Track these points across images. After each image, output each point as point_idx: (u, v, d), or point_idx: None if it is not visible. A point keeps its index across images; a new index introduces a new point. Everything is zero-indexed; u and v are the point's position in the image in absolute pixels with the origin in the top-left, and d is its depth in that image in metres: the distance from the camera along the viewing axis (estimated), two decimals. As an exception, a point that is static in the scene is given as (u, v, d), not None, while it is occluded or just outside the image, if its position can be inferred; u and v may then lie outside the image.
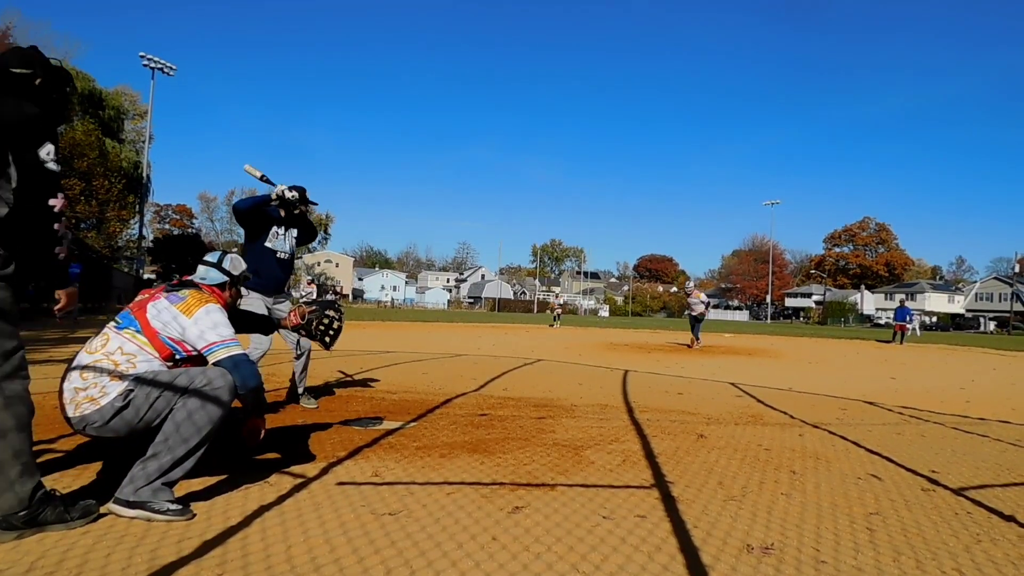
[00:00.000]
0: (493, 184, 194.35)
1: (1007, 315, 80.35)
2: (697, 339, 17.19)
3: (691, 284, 18.92)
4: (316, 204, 5.61)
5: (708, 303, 18.50)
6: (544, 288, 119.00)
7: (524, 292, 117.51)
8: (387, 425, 4.72)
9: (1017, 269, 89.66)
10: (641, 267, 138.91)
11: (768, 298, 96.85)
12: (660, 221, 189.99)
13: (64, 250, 2.68)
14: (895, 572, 2.34)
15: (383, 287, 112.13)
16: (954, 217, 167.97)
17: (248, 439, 3.03)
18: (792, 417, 5.85)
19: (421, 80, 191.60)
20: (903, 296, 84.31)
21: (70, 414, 2.68)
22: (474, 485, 3.25)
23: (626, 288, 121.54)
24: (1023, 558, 2.54)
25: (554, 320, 34.35)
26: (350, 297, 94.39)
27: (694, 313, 17.24)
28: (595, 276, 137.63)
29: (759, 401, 6.87)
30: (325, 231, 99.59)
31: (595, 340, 18.88)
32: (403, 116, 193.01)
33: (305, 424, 4.62)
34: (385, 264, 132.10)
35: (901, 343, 24.79)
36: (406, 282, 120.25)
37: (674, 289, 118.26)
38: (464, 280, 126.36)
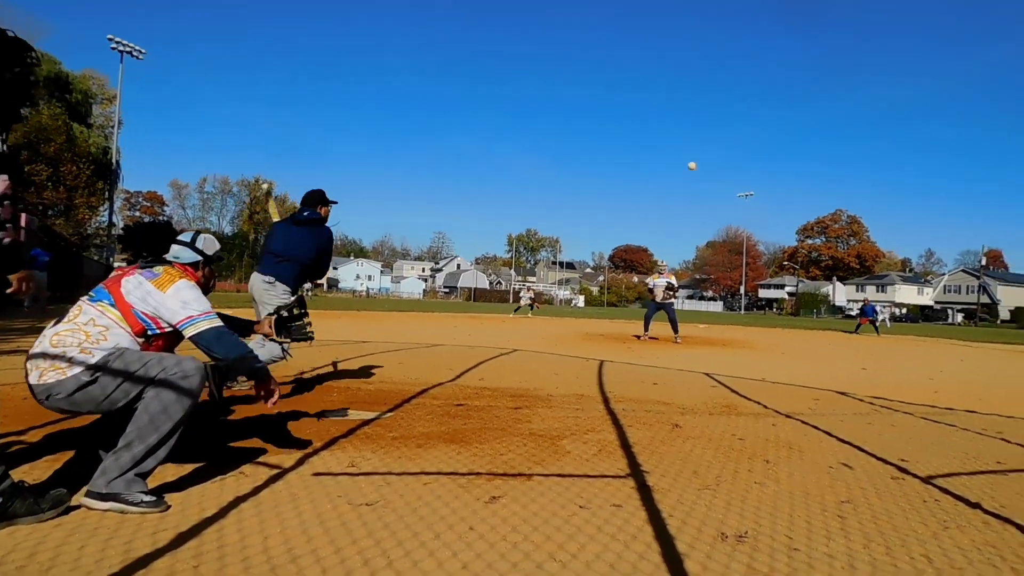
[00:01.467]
0: (470, 174, 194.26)
1: (974, 307, 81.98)
2: (646, 331, 15.83)
3: (661, 265, 17.30)
4: (335, 202, 5.65)
5: (674, 287, 16.14)
6: (520, 278, 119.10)
7: (500, 282, 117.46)
8: (363, 415, 4.70)
9: (984, 262, 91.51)
10: (616, 257, 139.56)
11: (742, 289, 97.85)
12: (636, 212, 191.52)
13: (9, 234, 2.59)
14: (866, 559, 2.39)
15: (358, 276, 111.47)
16: (924, 210, 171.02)
17: (268, 405, 2.99)
18: (766, 407, 5.92)
19: (398, 69, 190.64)
20: (865, 296, 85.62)
21: (33, 381, 2.61)
22: (451, 475, 3.25)
23: (601, 278, 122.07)
24: (988, 544, 2.60)
25: (526, 307, 33.24)
26: (324, 286, 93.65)
27: (657, 299, 15.83)
28: (570, 266, 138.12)
29: (733, 391, 6.94)
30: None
31: (571, 330, 18.93)
32: (380, 105, 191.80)
33: (281, 414, 4.58)
34: (360, 253, 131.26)
35: (878, 334, 25.39)
36: (381, 271, 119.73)
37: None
38: (440, 270, 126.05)
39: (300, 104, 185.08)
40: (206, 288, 3.28)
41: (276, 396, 3.00)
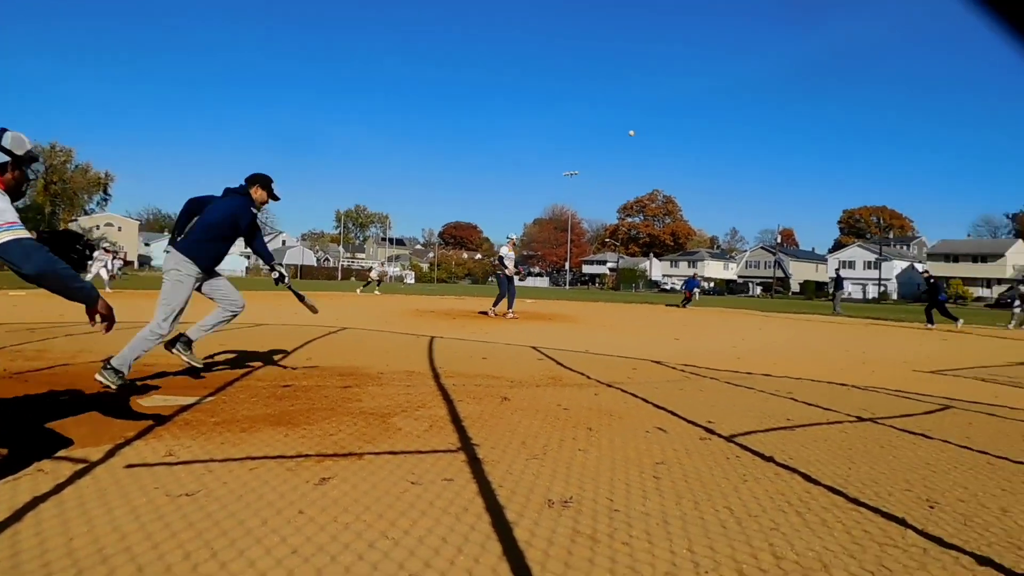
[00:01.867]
0: (295, 146, 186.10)
1: (770, 280, 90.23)
2: (495, 306, 15.75)
3: (510, 236, 16.39)
4: (277, 198, 5.54)
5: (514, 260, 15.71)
6: (348, 254, 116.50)
7: (328, 259, 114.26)
8: (181, 401, 4.43)
9: (779, 240, 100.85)
10: (447, 234, 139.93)
11: (567, 265, 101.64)
12: (465, 189, 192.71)
13: None
14: (677, 514, 2.59)
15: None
16: (730, 192, 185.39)
17: (105, 325, 2.80)
18: (589, 377, 6.22)
19: (210, 23, 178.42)
20: (695, 269, 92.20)
21: None
22: (278, 459, 3.15)
23: (431, 255, 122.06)
24: (779, 492, 2.91)
25: (373, 284, 32.50)
26: (136, 264, 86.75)
27: (509, 272, 15.24)
28: (400, 243, 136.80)
29: (559, 363, 7.23)
30: (105, 191, 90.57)
31: (401, 307, 18.82)
32: (193, 66, 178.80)
33: (85, 402, 4.22)
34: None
35: (684, 307, 27.34)
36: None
37: (479, 256, 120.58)
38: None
39: (100, 66, 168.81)
40: (16, 193, 2.93)
41: (108, 323, 2.86)
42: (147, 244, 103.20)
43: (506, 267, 15.28)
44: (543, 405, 4.78)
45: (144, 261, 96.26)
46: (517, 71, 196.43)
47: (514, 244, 16.01)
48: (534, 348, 8.73)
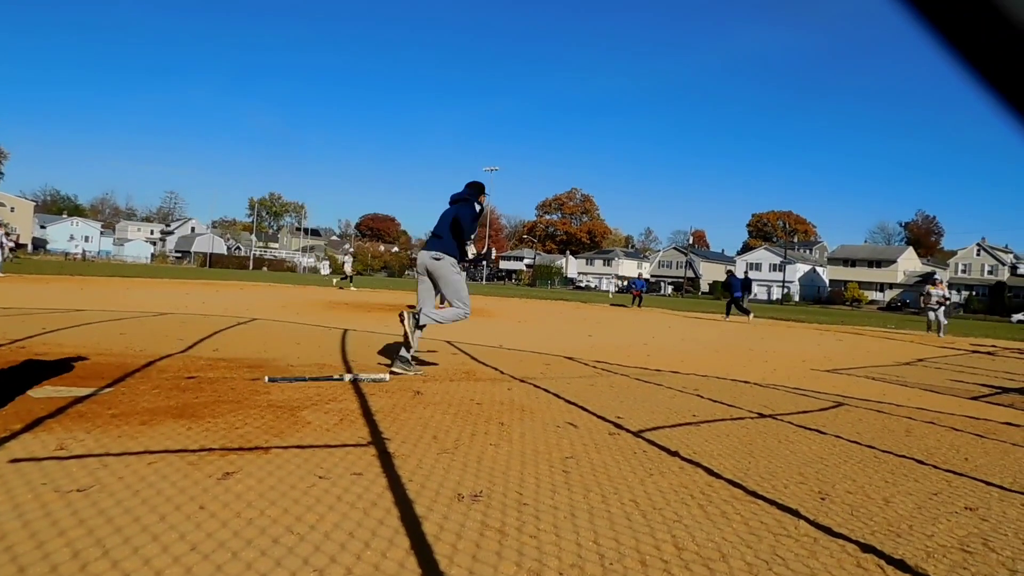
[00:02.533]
0: (206, 129, 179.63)
1: (682, 280, 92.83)
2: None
3: None
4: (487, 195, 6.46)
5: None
6: (261, 244, 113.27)
7: (239, 247, 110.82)
8: (76, 392, 4.21)
9: (691, 241, 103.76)
10: (363, 226, 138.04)
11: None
12: (384, 181, 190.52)
13: None
14: (585, 507, 2.63)
15: (72, 237, 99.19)
16: (645, 191, 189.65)
17: None
18: (502, 373, 6.25)
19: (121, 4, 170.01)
20: (611, 268, 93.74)
21: None
22: (180, 452, 3.04)
23: (348, 246, 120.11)
24: (683, 486, 2.99)
25: (343, 280, 30.00)
26: (29, 247, 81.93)
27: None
28: (316, 233, 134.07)
29: (473, 358, 7.24)
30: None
31: (314, 299, 18.45)
32: (96, 40, 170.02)
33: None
34: (75, 211, 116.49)
35: (639, 306, 27.73)
36: (101, 232, 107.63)
37: (395, 249, 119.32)
38: (171, 232, 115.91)
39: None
40: None
41: None
42: (43, 227, 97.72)
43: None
44: (456, 400, 4.78)
45: (39, 244, 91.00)
46: (437, 62, 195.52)
47: None
48: (449, 343, 8.72)
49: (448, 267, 5.94)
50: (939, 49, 0.50)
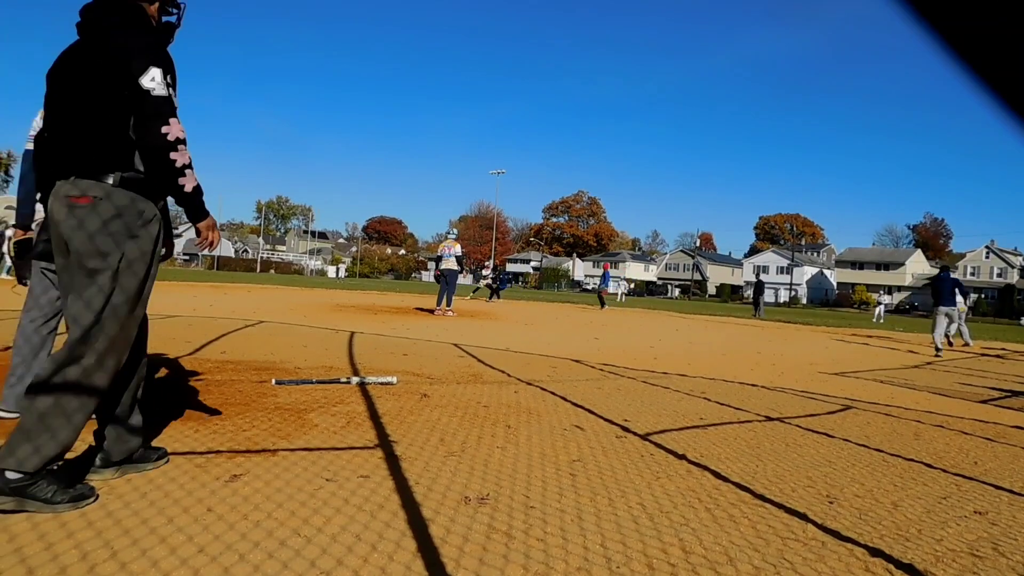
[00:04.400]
0: (214, 132, 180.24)
1: (689, 283, 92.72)
2: (439, 304, 15.65)
3: (453, 234, 16.56)
4: None
5: (461, 257, 15.96)
6: (268, 246, 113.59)
7: (247, 250, 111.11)
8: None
9: (698, 244, 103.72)
10: (370, 228, 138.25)
11: (491, 263, 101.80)
12: (391, 184, 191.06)
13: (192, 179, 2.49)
14: (591, 510, 2.63)
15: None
16: (652, 195, 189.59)
17: None
18: (509, 375, 6.25)
19: None
20: (615, 270, 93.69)
21: None
22: (187, 455, 3.05)
23: (354, 249, 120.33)
24: (691, 489, 2.99)
25: (485, 288, 29.14)
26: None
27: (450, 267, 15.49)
28: (323, 236, 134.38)
29: (479, 361, 7.24)
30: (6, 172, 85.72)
31: (321, 301, 18.49)
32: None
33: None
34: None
35: (602, 306, 27.12)
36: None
37: (402, 252, 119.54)
38: (179, 235, 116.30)
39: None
40: None
41: None
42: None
43: (445, 266, 15.62)
44: (463, 402, 4.78)
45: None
46: (445, 66, 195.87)
47: (455, 241, 16.25)
48: (455, 345, 8.72)
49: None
50: (941, 51, 0.50)
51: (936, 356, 12.42)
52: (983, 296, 73.98)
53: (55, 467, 2.33)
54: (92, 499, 2.37)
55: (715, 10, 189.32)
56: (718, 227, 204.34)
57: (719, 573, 2.12)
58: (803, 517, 2.71)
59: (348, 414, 4.13)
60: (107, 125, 2.42)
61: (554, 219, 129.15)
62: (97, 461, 2.61)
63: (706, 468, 3.38)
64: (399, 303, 20.45)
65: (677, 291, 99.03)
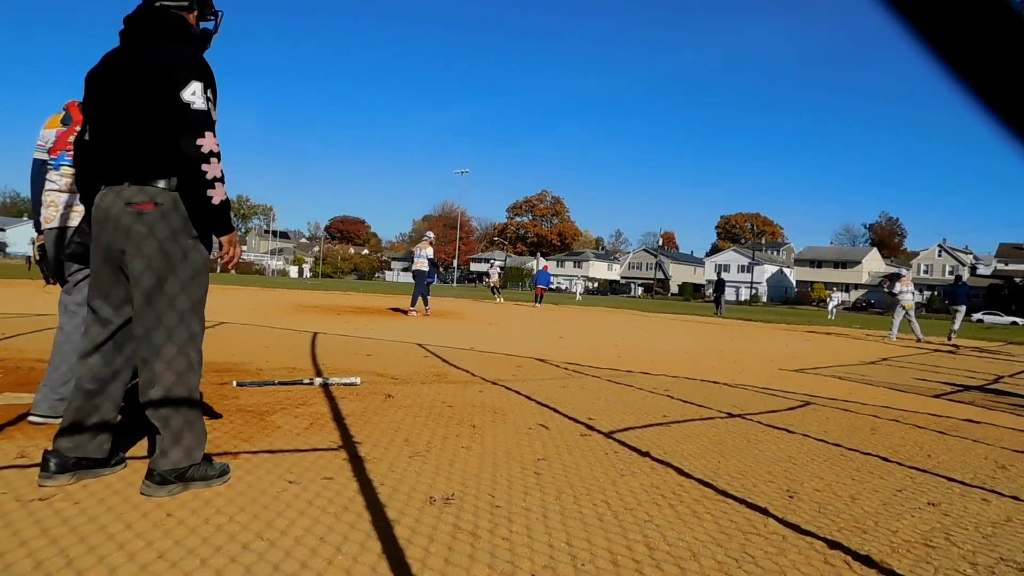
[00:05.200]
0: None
1: (652, 281, 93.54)
2: (420, 303, 15.85)
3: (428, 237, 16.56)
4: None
5: (433, 259, 16.18)
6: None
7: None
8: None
9: (660, 243, 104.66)
10: (333, 228, 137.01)
11: (455, 262, 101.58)
12: (353, 183, 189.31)
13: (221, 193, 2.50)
14: (557, 508, 2.64)
15: (33, 240, 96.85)
16: (616, 193, 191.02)
17: None
18: (474, 375, 6.24)
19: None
20: (580, 270, 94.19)
21: None
22: (145, 459, 2.98)
23: (317, 249, 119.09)
24: (654, 486, 3.02)
25: (494, 293, 29.77)
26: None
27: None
28: (284, 236, 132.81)
29: (444, 361, 7.22)
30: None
31: (283, 301, 18.28)
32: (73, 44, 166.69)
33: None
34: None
35: (539, 304, 26.31)
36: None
37: (365, 251, 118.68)
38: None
39: None
40: None
41: None
42: (2, 229, 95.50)
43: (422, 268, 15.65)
44: (428, 402, 4.76)
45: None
46: (406, 63, 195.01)
47: (431, 243, 16.38)
48: (420, 345, 8.68)
49: None
50: (921, 49, 0.50)
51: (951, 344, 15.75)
52: (936, 293, 75.77)
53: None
54: (229, 474, 2.74)
55: (678, 8, 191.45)
56: (680, 226, 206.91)
57: (683, 568, 2.15)
58: (764, 512, 2.75)
59: (311, 415, 4.09)
60: (158, 133, 2.49)
61: (518, 218, 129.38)
62: (52, 466, 2.54)
63: (669, 465, 3.42)
64: (362, 303, 20.29)
65: (640, 290, 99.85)
